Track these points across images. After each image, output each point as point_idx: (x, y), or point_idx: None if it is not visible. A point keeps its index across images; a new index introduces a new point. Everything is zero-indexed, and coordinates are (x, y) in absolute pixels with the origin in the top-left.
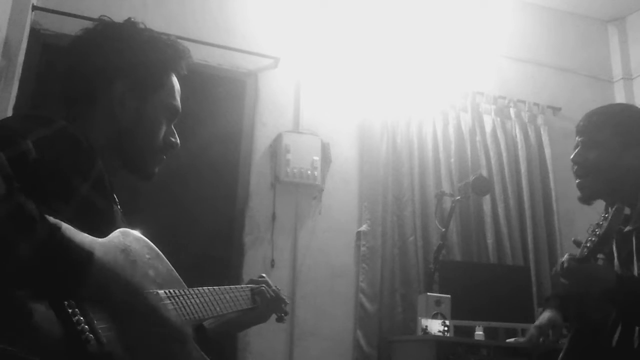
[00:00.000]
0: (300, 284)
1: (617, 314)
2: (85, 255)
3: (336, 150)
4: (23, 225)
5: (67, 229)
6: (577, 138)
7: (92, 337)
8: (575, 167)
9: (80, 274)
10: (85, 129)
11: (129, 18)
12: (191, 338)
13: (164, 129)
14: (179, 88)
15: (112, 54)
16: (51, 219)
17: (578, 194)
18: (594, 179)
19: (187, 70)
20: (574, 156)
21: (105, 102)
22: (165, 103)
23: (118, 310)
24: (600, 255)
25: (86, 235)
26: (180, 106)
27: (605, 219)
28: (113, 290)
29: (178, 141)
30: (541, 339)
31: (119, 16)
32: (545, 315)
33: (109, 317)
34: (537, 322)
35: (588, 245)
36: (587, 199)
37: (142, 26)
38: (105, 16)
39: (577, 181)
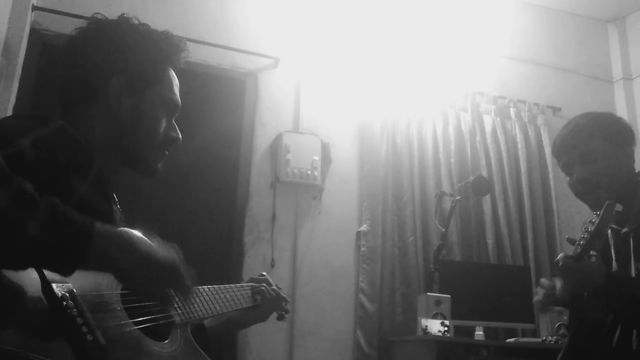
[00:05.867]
0: (300, 283)
1: (614, 314)
2: (88, 224)
3: (336, 150)
4: (27, 204)
5: (64, 205)
6: (564, 161)
7: (91, 337)
8: (581, 187)
9: (85, 242)
10: (84, 129)
11: (122, 14)
12: (181, 264)
13: (163, 124)
14: (177, 82)
15: (106, 51)
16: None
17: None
18: (604, 190)
19: (184, 63)
20: (577, 177)
21: (102, 101)
22: (163, 98)
23: (123, 272)
24: (593, 252)
25: None
26: (179, 100)
27: (597, 215)
28: (118, 251)
29: (180, 136)
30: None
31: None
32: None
33: (116, 279)
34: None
35: (581, 242)
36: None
37: (136, 22)
38: (99, 13)
39: (586, 197)
